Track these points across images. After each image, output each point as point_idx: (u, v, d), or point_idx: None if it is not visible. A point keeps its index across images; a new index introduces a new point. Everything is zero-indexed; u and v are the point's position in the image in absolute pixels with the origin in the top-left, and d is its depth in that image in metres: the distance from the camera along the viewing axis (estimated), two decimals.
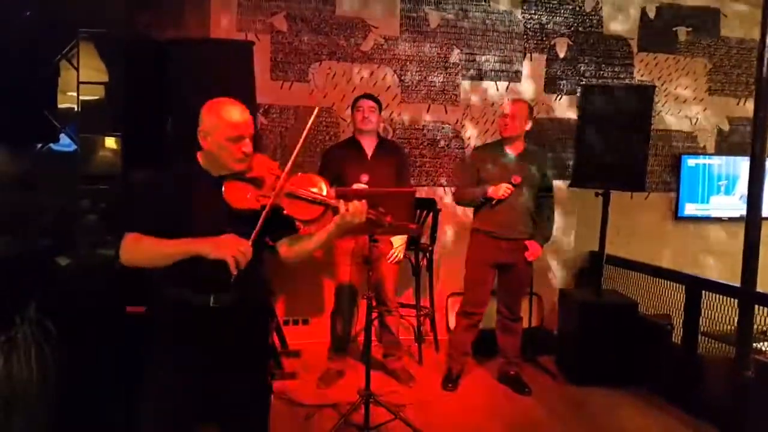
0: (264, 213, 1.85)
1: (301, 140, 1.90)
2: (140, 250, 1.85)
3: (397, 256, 3.72)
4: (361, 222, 1.93)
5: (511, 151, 3.67)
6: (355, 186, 3.44)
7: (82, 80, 3.47)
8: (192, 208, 1.89)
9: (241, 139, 1.87)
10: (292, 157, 1.88)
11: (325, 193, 1.93)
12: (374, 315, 3.79)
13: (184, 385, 1.91)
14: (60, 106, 3.49)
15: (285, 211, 1.90)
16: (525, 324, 4.31)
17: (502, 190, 3.50)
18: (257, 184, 1.92)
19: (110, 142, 3.69)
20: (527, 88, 4.89)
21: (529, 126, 3.67)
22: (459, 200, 3.86)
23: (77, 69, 3.46)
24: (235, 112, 1.89)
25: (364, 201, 1.96)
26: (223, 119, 1.87)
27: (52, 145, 3.55)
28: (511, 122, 3.60)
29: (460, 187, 3.82)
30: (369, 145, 3.71)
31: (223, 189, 1.89)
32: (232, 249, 1.76)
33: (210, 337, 1.91)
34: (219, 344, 1.93)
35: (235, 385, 1.99)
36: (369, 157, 3.68)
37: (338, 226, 1.94)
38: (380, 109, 3.76)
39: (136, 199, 2.02)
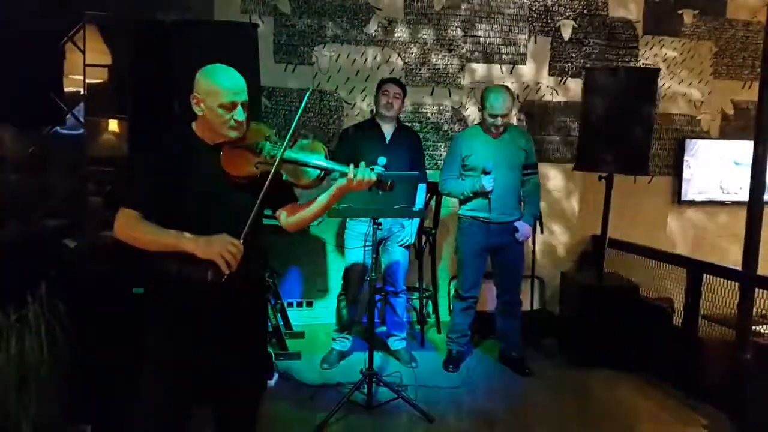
0: (267, 182, 1.81)
1: (303, 104, 1.89)
2: (134, 234, 1.82)
3: (407, 239, 3.74)
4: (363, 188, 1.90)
5: (492, 135, 3.67)
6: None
7: (88, 63, 3.47)
8: (191, 178, 1.87)
9: (234, 106, 1.85)
10: (294, 122, 1.84)
11: (325, 158, 1.90)
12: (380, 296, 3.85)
13: (182, 362, 1.90)
14: (66, 89, 3.50)
15: (284, 178, 1.89)
16: (527, 307, 4.36)
17: (490, 185, 3.48)
18: (254, 150, 1.89)
19: (115, 125, 3.70)
20: (531, 70, 4.88)
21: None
22: (445, 193, 3.80)
23: (83, 51, 3.46)
24: (228, 78, 1.87)
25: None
26: (217, 85, 1.84)
27: (58, 128, 3.57)
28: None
29: (447, 179, 3.73)
30: (388, 129, 3.72)
31: (221, 157, 1.87)
32: (221, 250, 1.73)
33: (209, 313, 1.90)
34: (218, 320, 1.91)
35: (233, 363, 1.99)
36: (387, 141, 3.70)
37: (340, 190, 1.91)
38: (404, 96, 3.75)
39: (134, 172, 1.98)
